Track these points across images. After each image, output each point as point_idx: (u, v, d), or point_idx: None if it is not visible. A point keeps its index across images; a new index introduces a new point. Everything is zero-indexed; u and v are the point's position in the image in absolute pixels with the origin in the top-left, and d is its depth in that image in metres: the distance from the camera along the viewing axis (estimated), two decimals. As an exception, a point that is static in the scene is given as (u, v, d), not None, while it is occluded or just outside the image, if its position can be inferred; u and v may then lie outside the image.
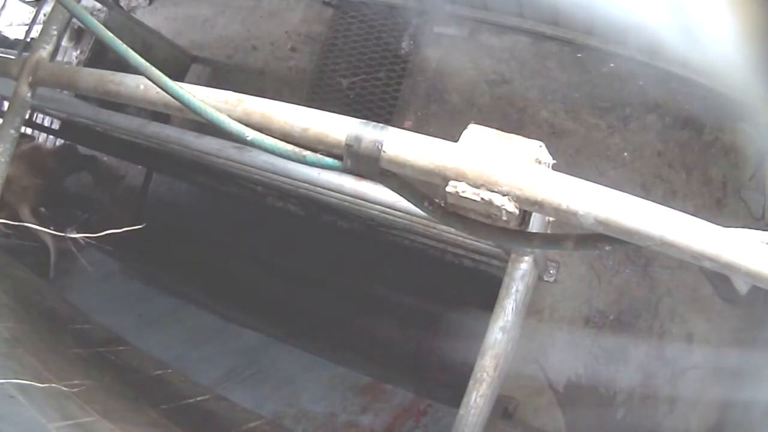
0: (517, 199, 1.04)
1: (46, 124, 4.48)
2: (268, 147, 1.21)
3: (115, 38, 1.31)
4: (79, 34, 5.06)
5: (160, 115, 2.99)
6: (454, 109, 3.77)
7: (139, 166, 4.38)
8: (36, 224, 3.59)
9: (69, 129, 4.05)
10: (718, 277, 3.00)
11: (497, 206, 1.05)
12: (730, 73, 2.62)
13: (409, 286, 3.53)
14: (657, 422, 3.00)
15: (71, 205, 4.67)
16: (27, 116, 2.13)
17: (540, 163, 1.08)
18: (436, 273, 3.45)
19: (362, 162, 1.15)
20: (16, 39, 4.92)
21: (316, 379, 3.20)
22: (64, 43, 4.58)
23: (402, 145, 1.12)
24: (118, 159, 4.50)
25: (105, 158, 4.59)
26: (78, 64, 4.56)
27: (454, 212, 1.15)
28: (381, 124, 1.16)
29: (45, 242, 3.80)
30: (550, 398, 3.17)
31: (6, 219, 3.66)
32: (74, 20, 2.16)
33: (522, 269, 1.65)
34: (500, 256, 2.03)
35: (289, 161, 1.25)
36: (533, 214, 1.22)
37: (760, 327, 2.82)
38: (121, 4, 4.67)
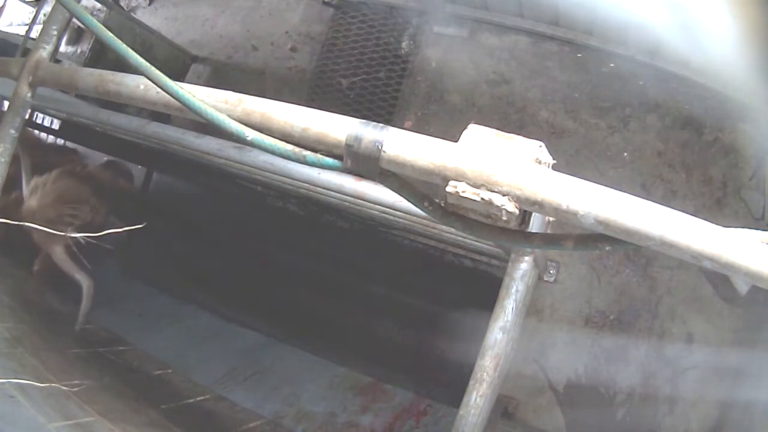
0: (517, 199, 1.04)
1: (46, 124, 4.48)
2: (268, 147, 1.21)
3: (115, 38, 1.31)
4: (79, 34, 5.06)
5: (161, 115, 3.00)
6: (454, 109, 3.77)
7: (139, 166, 4.38)
8: (70, 267, 3.11)
9: (69, 129, 4.04)
10: (718, 277, 3.00)
11: (497, 206, 1.05)
12: (730, 73, 2.62)
13: (409, 286, 3.53)
14: (657, 422, 3.00)
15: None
16: (27, 116, 2.13)
17: (540, 163, 1.08)
18: (436, 273, 3.45)
19: (362, 162, 1.15)
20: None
21: (316, 379, 3.20)
22: (64, 43, 4.57)
23: (402, 145, 1.12)
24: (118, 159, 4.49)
25: (105, 159, 4.59)
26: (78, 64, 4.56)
27: (454, 212, 1.15)
28: (381, 124, 1.16)
29: (75, 279, 3.07)
30: (550, 398, 3.17)
31: (40, 261, 3.18)
32: (74, 20, 2.16)
33: (522, 269, 1.65)
34: (500, 256, 2.03)
35: (289, 161, 1.25)
36: (533, 214, 1.22)
37: (760, 327, 2.82)
38: (121, 4, 4.67)
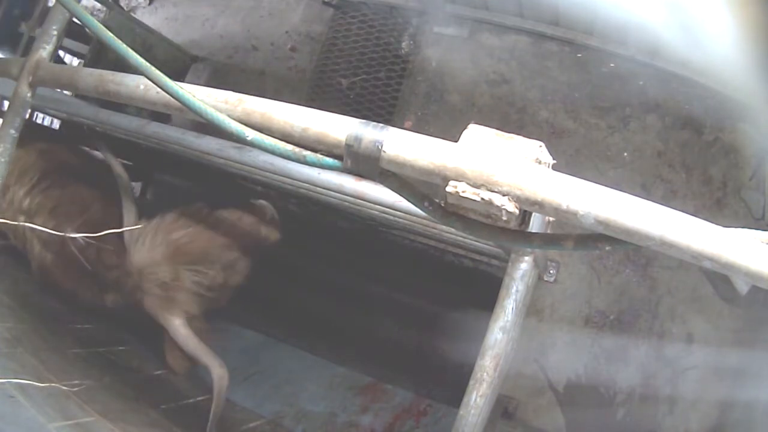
0: (517, 199, 1.04)
1: (47, 124, 4.48)
2: (268, 147, 1.21)
3: (115, 38, 1.31)
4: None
5: (161, 115, 2.99)
6: (454, 109, 3.77)
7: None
8: (197, 347, 2.35)
9: (69, 129, 4.03)
10: (718, 277, 2.99)
11: (497, 206, 1.05)
12: (730, 73, 2.62)
13: (409, 286, 3.53)
14: (657, 422, 3.00)
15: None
16: (27, 116, 2.13)
17: (540, 163, 1.08)
18: (436, 273, 3.45)
19: (362, 162, 1.15)
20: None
21: (316, 379, 3.20)
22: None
23: (402, 145, 1.12)
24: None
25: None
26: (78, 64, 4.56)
27: (454, 212, 1.15)
28: (381, 124, 1.16)
29: (200, 361, 2.37)
30: (550, 398, 3.17)
31: (168, 344, 2.41)
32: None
33: (522, 269, 1.65)
34: (500, 256, 2.03)
35: (289, 161, 1.25)
36: (533, 214, 1.22)
37: (760, 327, 2.82)
38: (121, 4, 4.67)
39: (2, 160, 1.81)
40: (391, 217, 1.99)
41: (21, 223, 2.56)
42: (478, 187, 1.05)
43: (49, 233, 2.30)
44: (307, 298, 3.70)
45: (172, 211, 2.51)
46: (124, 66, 1.33)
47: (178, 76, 4.30)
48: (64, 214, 2.67)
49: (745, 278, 0.93)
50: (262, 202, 2.77)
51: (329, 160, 1.19)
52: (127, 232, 2.43)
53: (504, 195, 1.04)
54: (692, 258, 0.96)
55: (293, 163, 1.43)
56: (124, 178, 2.68)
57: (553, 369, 3.19)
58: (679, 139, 3.33)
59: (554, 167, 1.11)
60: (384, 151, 1.12)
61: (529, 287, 1.69)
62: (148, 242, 2.38)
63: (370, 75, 3.90)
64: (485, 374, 1.60)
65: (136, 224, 2.44)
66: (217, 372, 2.36)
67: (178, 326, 2.35)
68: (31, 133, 3.10)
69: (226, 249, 2.51)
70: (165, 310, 2.35)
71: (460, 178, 1.06)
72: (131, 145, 2.59)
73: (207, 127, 1.32)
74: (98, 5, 4.19)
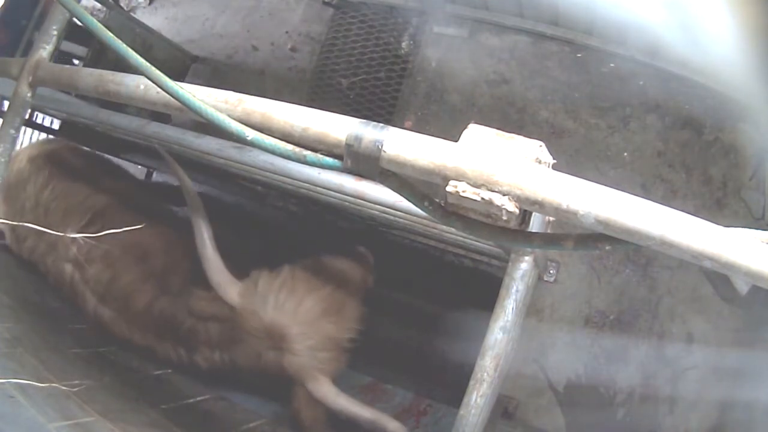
0: (518, 199, 1.04)
1: (47, 124, 4.47)
2: (268, 147, 1.21)
3: (115, 38, 1.31)
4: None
5: (161, 115, 2.99)
6: (454, 109, 3.77)
7: (139, 166, 4.38)
8: (354, 405, 2.21)
9: (69, 129, 4.03)
10: (718, 277, 3.00)
11: (497, 206, 1.05)
12: (730, 73, 2.62)
13: (409, 286, 3.53)
14: (657, 422, 3.00)
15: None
16: (27, 116, 2.13)
17: (540, 162, 1.08)
18: (436, 273, 3.45)
19: (362, 162, 1.15)
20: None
21: (316, 379, 3.19)
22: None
23: (402, 145, 1.12)
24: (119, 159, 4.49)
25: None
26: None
27: (454, 212, 1.15)
28: (381, 124, 1.16)
29: (364, 420, 2.18)
30: (550, 398, 3.17)
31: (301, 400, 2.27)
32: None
33: (522, 269, 1.65)
34: (500, 256, 2.03)
35: (289, 161, 1.25)
36: (533, 213, 1.22)
37: (760, 327, 2.82)
38: (121, 4, 4.67)
39: (2, 160, 1.81)
40: (391, 217, 1.99)
41: (22, 224, 2.54)
42: (478, 186, 1.05)
43: (106, 289, 2.25)
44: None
45: (292, 264, 2.43)
46: (124, 66, 1.33)
47: (178, 76, 4.30)
48: (123, 267, 2.42)
49: (745, 278, 0.93)
50: (362, 248, 2.70)
51: (329, 160, 1.19)
52: (233, 287, 2.26)
53: (504, 195, 1.04)
54: (692, 258, 0.96)
55: (293, 163, 1.43)
56: (207, 230, 2.33)
57: (553, 369, 3.19)
58: (679, 139, 3.33)
59: (554, 167, 1.11)
60: (384, 151, 1.12)
61: (529, 287, 1.69)
62: (287, 302, 2.24)
63: (370, 75, 3.90)
64: (485, 374, 1.60)
65: (228, 280, 2.26)
66: (393, 427, 2.20)
67: (330, 388, 2.24)
68: (83, 160, 2.88)
69: (356, 302, 2.49)
70: (315, 371, 2.23)
71: (460, 177, 1.06)
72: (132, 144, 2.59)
73: (207, 127, 1.32)
74: (98, 5, 4.19)
